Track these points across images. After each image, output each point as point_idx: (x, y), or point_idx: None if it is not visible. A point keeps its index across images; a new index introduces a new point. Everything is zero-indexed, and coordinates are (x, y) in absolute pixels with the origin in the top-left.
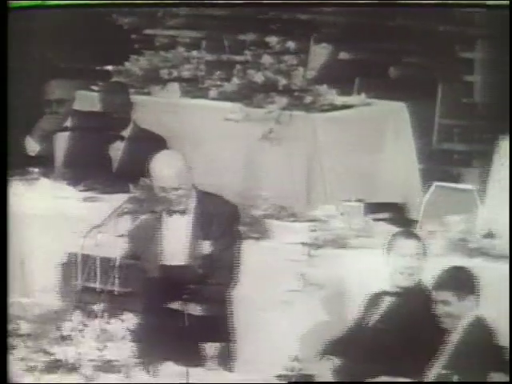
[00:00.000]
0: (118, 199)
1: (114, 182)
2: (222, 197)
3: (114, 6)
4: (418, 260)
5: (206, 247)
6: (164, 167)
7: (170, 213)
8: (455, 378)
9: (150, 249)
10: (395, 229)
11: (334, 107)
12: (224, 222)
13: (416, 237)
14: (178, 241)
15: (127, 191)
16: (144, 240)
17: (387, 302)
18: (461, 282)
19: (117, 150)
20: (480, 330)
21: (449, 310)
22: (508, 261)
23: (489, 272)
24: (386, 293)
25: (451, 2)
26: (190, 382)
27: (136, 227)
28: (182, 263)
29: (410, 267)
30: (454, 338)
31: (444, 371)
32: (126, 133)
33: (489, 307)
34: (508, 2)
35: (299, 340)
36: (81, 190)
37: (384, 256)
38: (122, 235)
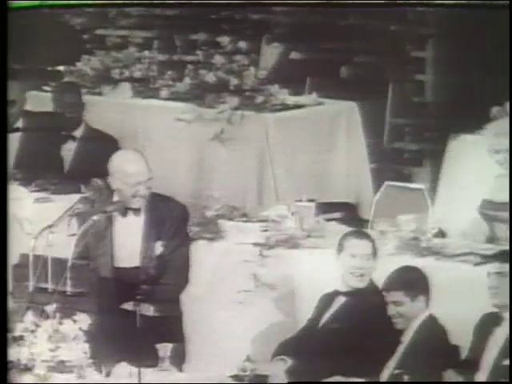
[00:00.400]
0: (70, 200)
1: (66, 182)
2: (171, 197)
3: (113, 6)
4: (369, 260)
5: (158, 248)
6: (127, 163)
7: (124, 213)
8: (406, 378)
9: (102, 250)
10: (347, 229)
11: (286, 107)
12: (174, 222)
13: (367, 237)
14: (130, 242)
15: (79, 192)
16: (96, 241)
17: (339, 302)
18: (412, 281)
19: (68, 150)
20: (432, 330)
21: (401, 310)
22: (458, 260)
23: (440, 271)
24: (338, 293)
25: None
26: (142, 382)
27: (88, 228)
28: (135, 265)
29: (361, 267)
30: (407, 337)
31: (396, 371)
32: (78, 133)
33: (441, 306)
34: (508, 2)
35: (252, 340)
36: (32, 191)
37: (335, 256)
38: (73, 235)
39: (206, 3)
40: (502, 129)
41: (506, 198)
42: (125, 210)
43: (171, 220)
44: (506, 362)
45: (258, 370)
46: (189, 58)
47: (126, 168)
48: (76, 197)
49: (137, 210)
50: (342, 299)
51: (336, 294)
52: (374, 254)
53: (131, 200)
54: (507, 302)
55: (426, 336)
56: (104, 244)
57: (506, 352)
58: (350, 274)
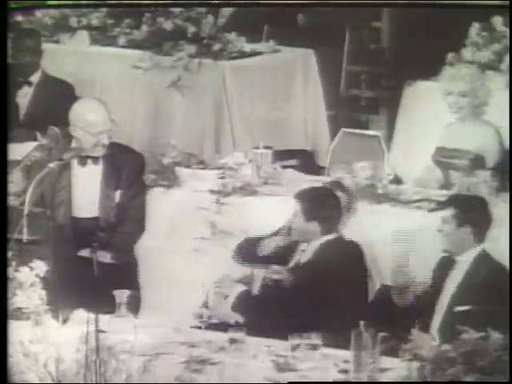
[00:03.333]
0: (26, 147)
1: (22, 130)
2: (128, 146)
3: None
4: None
5: (116, 197)
6: (90, 112)
7: (83, 162)
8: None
9: (60, 198)
10: (304, 176)
11: (243, 54)
12: (132, 172)
13: None
14: (88, 192)
15: (35, 139)
16: (53, 189)
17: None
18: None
19: (24, 96)
20: None
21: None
22: (413, 206)
23: (395, 217)
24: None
25: None
26: (100, 328)
27: (44, 175)
28: (93, 215)
29: None
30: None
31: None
32: (35, 79)
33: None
34: (508, 2)
35: (208, 287)
36: None
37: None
38: (30, 184)
39: None
40: (457, 73)
41: (459, 145)
42: (84, 159)
43: (129, 169)
44: (458, 309)
45: (214, 316)
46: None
47: (88, 117)
48: (32, 144)
49: (96, 159)
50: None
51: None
52: None
53: (92, 149)
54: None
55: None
56: (61, 193)
57: (459, 299)
58: None
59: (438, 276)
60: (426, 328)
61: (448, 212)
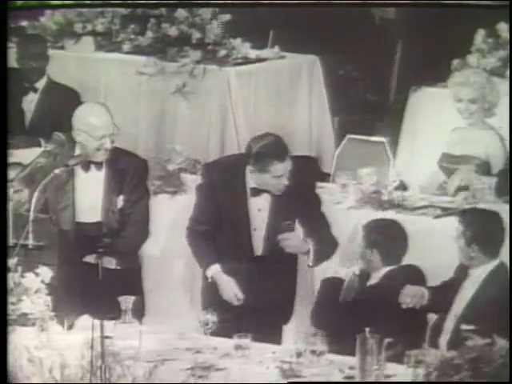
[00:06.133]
0: (31, 154)
1: (27, 136)
2: (131, 152)
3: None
4: None
5: (119, 202)
6: (93, 116)
7: (86, 167)
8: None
9: (64, 204)
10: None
11: (248, 60)
12: (135, 177)
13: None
14: (91, 197)
15: (39, 146)
16: (57, 194)
17: None
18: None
19: (30, 102)
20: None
21: None
22: (418, 213)
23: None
24: None
25: None
26: (105, 334)
27: (49, 181)
28: (96, 220)
29: None
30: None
31: None
32: (40, 85)
33: None
34: (508, 2)
35: None
36: None
37: None
38: (35, 190)
39: None
40: (466, 79)
41: (465, 152)
42: (87, 164)
43: (132, 174)
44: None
45: (220, 322)
46: (151, 11)
47: (91, 120)
48: (37, 151)
49: (99, 164)
50: None
51: None
52: None
53: (95, 153)
54: None
55: None
56: (66, 198)
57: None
58: None
59: (454, 286)
60: (435, 342)
61: (460, 227)
